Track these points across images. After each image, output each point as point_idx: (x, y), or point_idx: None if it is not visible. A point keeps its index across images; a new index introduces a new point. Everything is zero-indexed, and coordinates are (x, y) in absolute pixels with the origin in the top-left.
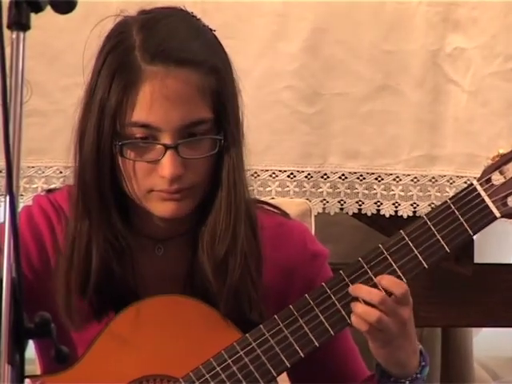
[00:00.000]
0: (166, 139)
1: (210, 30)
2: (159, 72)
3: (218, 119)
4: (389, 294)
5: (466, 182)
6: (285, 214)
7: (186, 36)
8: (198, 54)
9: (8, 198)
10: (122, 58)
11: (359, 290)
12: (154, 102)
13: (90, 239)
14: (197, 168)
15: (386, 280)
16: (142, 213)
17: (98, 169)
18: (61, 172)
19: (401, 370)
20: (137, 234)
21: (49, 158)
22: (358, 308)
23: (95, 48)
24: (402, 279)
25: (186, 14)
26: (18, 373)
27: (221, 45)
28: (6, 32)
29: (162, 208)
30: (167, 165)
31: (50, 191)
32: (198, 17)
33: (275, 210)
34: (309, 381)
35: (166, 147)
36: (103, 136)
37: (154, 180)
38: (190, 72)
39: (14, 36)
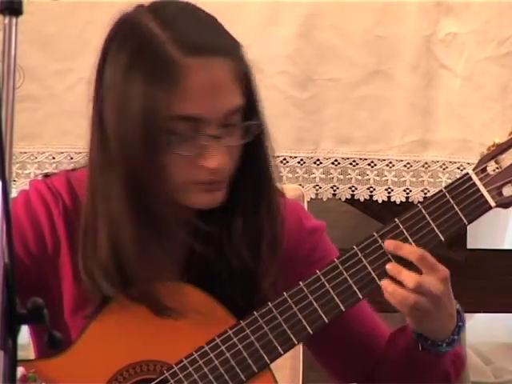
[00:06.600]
0: (212, 129)
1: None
2: (200, 63)
3: (247, 105)
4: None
5: (459, 168)
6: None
7: (210, 25)
8: (227, 43)
9: (0, 183)
10: (153, 56)
11: (395, 269)
12: (199, 94)
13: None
14: (234, 156)
15: (407, 250)
16: None
17: (144, 165)
18: (53, 158)
19: (437, 335)
20: None
21: (41, 144)
22: (397, 295)
23: (87, 37)
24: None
25: (189, 4)
26: (11, 358)
27: None
28: None
29: (200, 199)
30: (214, 156)
31: (46, 176)
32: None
33: None
34: (334, 351)
35: (212, 137)
36: (149, 135)
37: (196, 171)
38: (225, 60)
39: (7, 21)
